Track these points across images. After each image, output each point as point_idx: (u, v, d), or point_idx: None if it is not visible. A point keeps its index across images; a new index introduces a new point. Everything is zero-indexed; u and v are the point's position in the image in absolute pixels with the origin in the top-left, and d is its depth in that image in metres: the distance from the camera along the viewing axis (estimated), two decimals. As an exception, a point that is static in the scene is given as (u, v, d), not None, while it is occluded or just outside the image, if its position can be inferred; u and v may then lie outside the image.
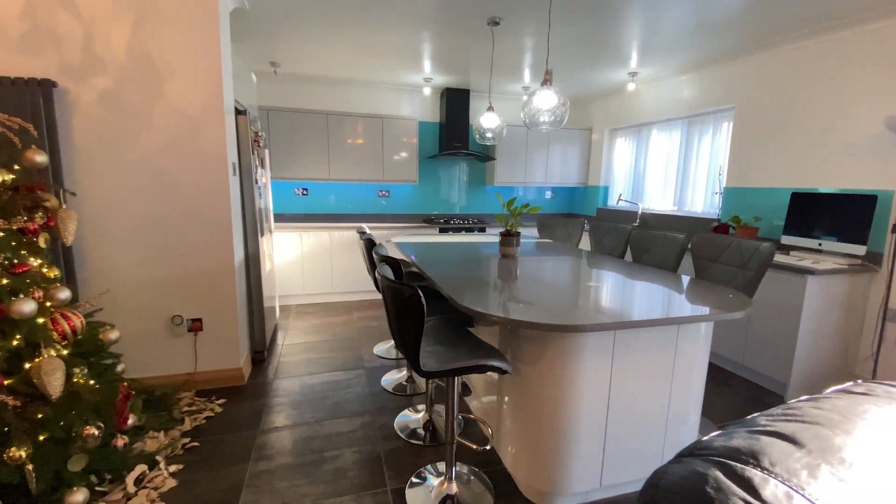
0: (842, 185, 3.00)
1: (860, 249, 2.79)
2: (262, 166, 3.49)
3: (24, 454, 1.42)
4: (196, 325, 2.76)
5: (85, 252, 2.52)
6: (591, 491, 1.86)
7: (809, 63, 3.19)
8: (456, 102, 5.11)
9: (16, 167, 1.75)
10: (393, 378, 2.99)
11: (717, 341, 3.32)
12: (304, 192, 5.12)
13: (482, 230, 5.18)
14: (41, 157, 1.74)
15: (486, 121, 3.16)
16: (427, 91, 5.22)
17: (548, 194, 6.14)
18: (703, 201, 4.24)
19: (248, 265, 3.14)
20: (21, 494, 1.54)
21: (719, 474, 0.51)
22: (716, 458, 0.54)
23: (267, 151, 3.70)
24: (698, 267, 2.59)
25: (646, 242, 3.02)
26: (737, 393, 2.93)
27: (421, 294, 1.41)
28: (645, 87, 4.77)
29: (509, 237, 2.90)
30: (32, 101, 2.27)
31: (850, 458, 0.52)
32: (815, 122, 3.15)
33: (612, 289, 2.05)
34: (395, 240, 3.55)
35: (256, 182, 3.17)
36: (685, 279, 2.31)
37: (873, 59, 2.83)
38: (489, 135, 3.18)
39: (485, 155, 5.28)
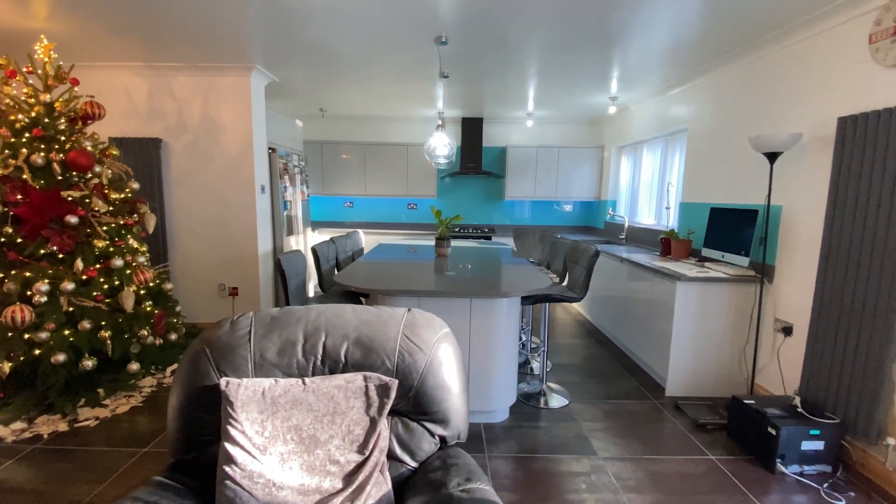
0: (742, 201, 3.19)
1: (743, 261, 2.99)
2: (293, 185, 4.87)
3: (107, 335, 2.82)
4: (234, 292, 4.18)
5: (173, 240, 4.11)
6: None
7: (731, 86, 3.42)
8: (470, 129, 6.01)
9: (127, 190, 3.26)
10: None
11: (629, 336, 3.66)
12: (350, 205, 6.51)
13: (488, 238, 5.93)
14: (136, 185, 3.23)
15: (437, 149, 4.03)
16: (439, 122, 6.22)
17: (567, 208, 6.59)
18: (674, 215, 4.45)
19: (275, 254, 4.51)
20: (105, 362, 2.96)
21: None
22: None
23: (298, 176, 5.09)
24: (568, 268, 3.13)
25: (555, 250, 3.59)
26: (625, 381, 3.30)
27: (281, 262, 2.46)
28: (637, 107, 5.08)
29: (441, 241, 3.74)
30: (150, 150, 3.91)
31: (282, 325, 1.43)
32: (729, 142, 3.37)
33: (465, 276, 2.81)
34: (385, 241, 4.61)
35: (283, 198, 4.54)
36: (533, 272, 2.91)
37: (772, 80, 3.04)
38: (440, 160, 4.04)
39: (497, 174, 6.04)
